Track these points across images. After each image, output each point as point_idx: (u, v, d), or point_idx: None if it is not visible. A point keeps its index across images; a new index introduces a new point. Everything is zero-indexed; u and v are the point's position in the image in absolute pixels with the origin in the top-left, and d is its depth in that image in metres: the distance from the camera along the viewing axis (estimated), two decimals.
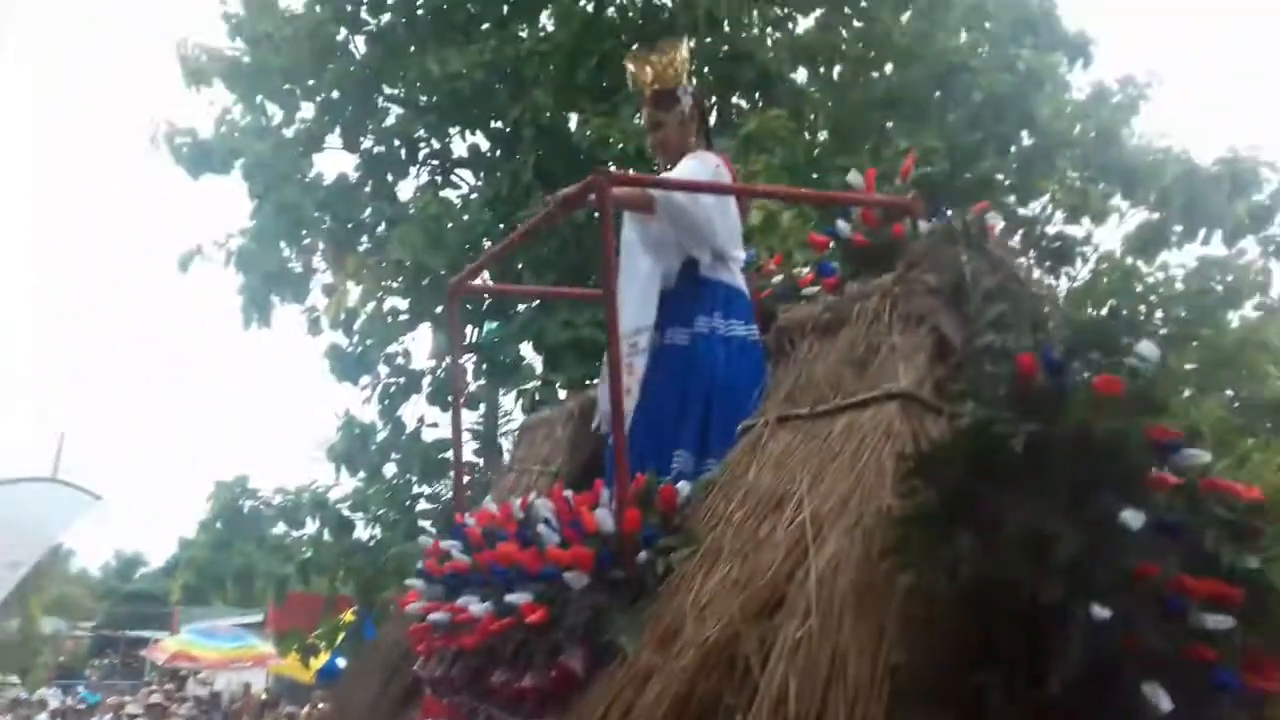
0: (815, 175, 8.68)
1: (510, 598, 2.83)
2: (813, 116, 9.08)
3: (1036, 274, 9.00)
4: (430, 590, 3.51)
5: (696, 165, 3.54)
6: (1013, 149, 8.57)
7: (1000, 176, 8.85)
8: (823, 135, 9.19)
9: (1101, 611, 1.86)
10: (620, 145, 8.15)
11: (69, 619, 38.49)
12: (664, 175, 3.64)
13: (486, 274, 7.40)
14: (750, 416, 2.91)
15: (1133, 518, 1.95)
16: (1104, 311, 9.22)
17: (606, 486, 3.01)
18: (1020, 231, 9.32)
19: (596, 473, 3.38)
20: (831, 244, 3.58)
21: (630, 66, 3.79)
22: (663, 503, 2.81)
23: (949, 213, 3.29)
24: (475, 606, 2.99)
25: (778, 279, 3.90)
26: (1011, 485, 2.03)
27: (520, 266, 8.48)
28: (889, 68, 9.06)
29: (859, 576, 2.05)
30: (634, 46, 3.89)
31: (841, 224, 3.54)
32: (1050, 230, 9.44)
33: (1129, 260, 9.57)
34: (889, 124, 8.56)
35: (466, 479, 7.85)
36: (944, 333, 2.41)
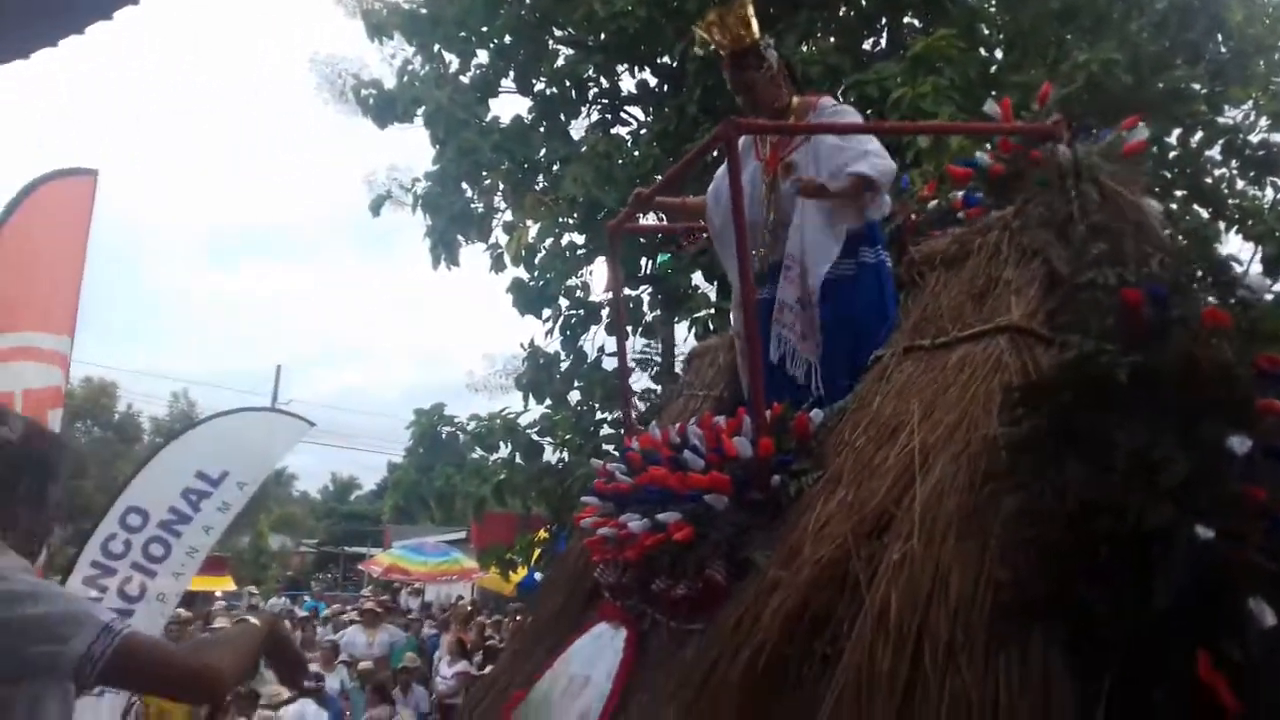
0: (993, 93, 8.43)
1: (661, 517, 3.10)
2: (987, 33, 8.76)
3: (1239, 185, 8.39)
4: (602, 507, 3.80)
5: (850, 114, 3.61)
6: (1205, 57, 8.05)
7: (1196, 85, 8.35)
8: (998, 53, 8.86)
9: (1205, 531, 1.94)
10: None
11: (294, 536, 42.14)
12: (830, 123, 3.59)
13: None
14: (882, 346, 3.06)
15: (1239, 443, 2.02)
16: None
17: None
18: (1221, 142, 8.80)
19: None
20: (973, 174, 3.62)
21: (704, 34, 3.71)
22: (797, 430, 3.01)
23: (1097, 132, 3.27)
24: (634, 523, 3.26)
25: (933, 204, 3.97)
26: (1119, 413, 2.12)
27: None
28: None
29: (962, 500, 2.20)
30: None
31: (980, 155, 3.57)
32: (1253, 139, 8.88)
33: None
34: (1068, 36, 8.18)
35: (645, 405, 8.19)
36: (1055, 265, 2.48)
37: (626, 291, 9.95)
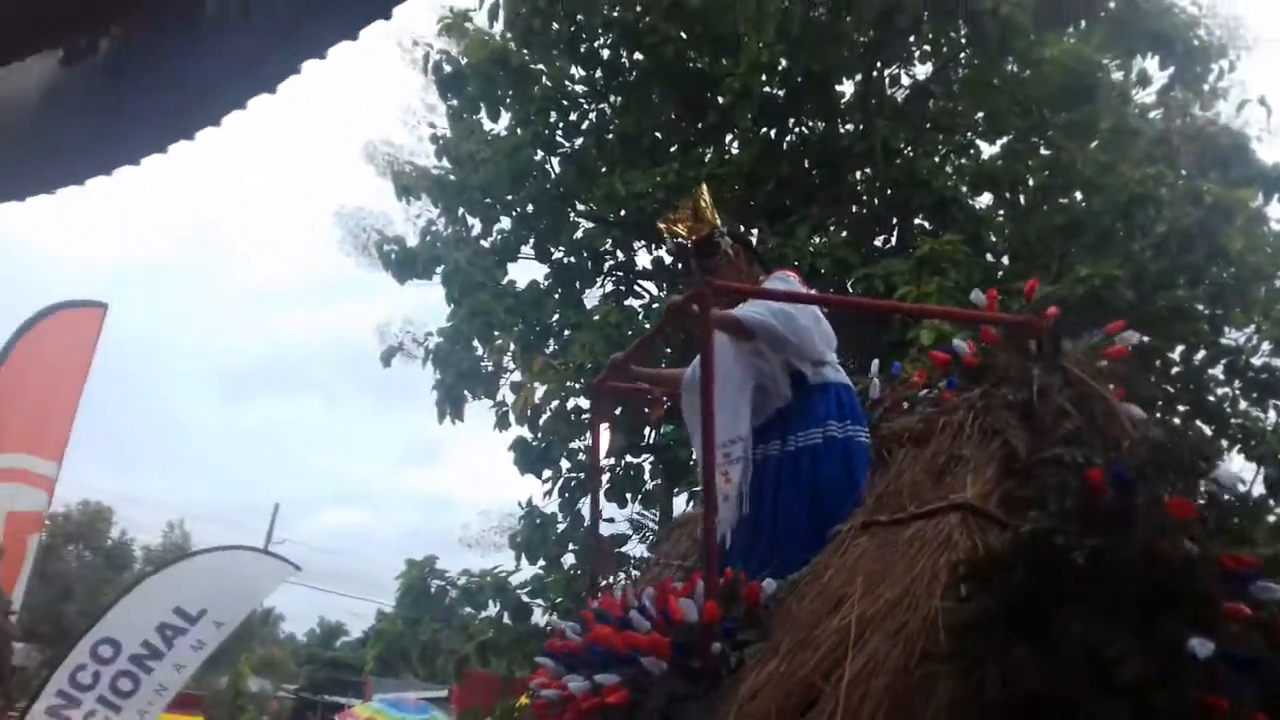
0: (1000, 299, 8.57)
1: (599, 678, 2.98)
2: (993, 240, 9.01)
3: (1243, 405, 8.40)
4: (554, 668, 3.69)
5: (780, 285, 3.72)
6: (1206, 280, 8.22)
7: (1198, 306, 8.49)
8: (1004, 260, 9.09)
9: None
10: (796, 263, 8.36)
11: (274, 680, 40.63)
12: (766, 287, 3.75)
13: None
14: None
15: (1200, 646, 1.91)
16: None
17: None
18: (1223, 362, 8.88)
19: None
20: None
21: (666, 231, 3.97)
22: (747, 598, 2.92)
23: (1090, 332, 3.31)
24: (574, 684, 3.13)
25: (923, 393, 4.00)
26: (1074, 599, 2.02)
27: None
28: (1076, 195, 8.92)
29: (894, 680, 2.11)
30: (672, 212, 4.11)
31: (958, 343, 3.61)
32: (1256, 362, 8.95)
33: None
34: (1071, 250, 8.40)
35: (638, 573, 8.00)
36: (1014, 445, 2.46)
37: (629, 459, 9.94)
